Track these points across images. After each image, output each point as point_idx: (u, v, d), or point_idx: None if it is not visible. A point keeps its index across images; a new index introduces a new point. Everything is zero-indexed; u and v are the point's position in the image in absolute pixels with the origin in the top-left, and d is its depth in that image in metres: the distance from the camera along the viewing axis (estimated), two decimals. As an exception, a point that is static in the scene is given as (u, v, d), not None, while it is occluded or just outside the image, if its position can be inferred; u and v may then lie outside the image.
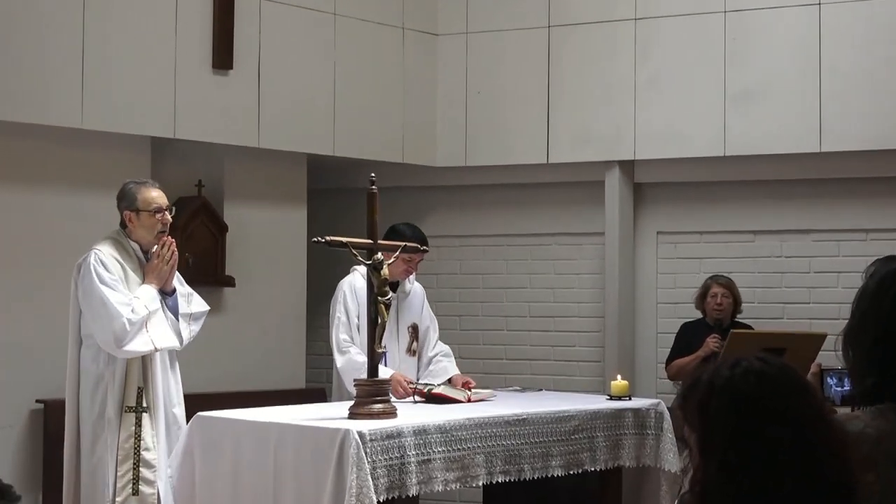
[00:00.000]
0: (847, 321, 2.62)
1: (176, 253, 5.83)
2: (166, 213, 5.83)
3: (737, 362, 2.28)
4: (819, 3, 7.91)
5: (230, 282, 8.06)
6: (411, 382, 6.32)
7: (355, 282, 6.50)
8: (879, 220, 8.02)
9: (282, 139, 8.13)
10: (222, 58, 7.71)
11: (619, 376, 6.72)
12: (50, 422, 7.16)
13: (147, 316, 5.66)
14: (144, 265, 5.83)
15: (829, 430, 2.25)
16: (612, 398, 6.51)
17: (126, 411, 5.69)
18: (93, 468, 5.72)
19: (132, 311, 5.62)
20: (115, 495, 5.64)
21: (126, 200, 5.82)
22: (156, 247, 5.81)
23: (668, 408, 6.45)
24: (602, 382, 8.43)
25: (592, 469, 6.10)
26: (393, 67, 8.73)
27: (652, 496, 6.40)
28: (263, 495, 5.19)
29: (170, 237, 5.84)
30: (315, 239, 5.47)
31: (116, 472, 5.65)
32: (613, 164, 8.56)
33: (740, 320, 7.89)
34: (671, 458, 6.35)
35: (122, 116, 7.29)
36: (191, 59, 7.59)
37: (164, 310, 5.80)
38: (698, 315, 7.96)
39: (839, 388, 4.58)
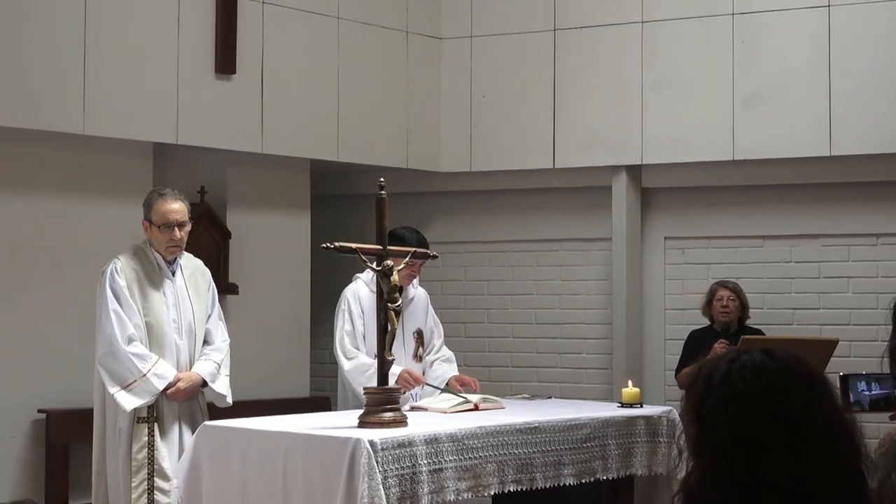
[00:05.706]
0: (892, 336, 2.56)
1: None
2: (175, 230, 5.76)
3: (736, 356, 2.14)
4: (829, 5, 7.83)
5: (233, 289, 7.97)
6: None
7: (359, 290, 6.41)
8: (890, 225, 7.93)
9: (285, 145, 8.05)
10: (225, 62, 7.63)
11: (630, 383, 6.63)
12: (52, 432, 7.10)
13: (140, 376, 5.61)
14: (165, 274, 5.84)
15: (835, 427, 2.10)
16: (623, 406, 6.42)
17: (138, 422, 5.69)
18: (107, 477, 5.75)
19: (140, 355, 5.62)
20: None
21: (145, 209, 5.85)
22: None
23: (679, 415, 6.36)
24: (609, 390, 8.34)
25: (604, 478, 6.02)
26: (397, 72, 8.64)
27: (663, 505, 6.32)
28: (273, 506, 5.09)
29: (182, 389, 5.75)
30: (324, 245, 5.38)
31: (130, 482, 5.65)
32: (620, 169, 8.46)
33: (750, 325, 7.79)
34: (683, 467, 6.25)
35: (124, 122, 7.21)
36: (193, 64, 7.51)
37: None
38: (706, 322, 7.86)
39: (867, 393, 4.56)
